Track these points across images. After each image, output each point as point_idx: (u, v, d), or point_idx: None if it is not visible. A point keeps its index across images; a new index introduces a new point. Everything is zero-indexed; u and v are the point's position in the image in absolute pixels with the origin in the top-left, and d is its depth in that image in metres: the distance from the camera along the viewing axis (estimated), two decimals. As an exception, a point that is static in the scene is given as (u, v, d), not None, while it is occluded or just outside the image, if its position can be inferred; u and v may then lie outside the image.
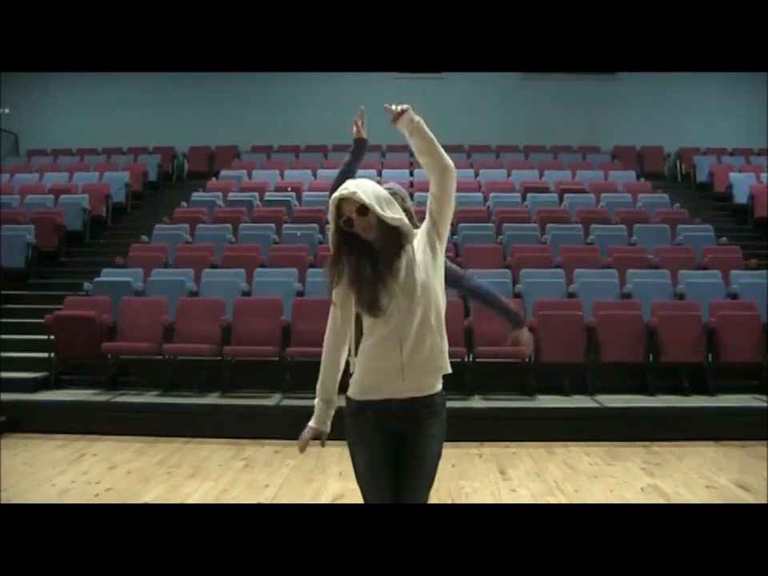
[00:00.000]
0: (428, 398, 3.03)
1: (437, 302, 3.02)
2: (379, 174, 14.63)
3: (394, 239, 2.96)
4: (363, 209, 2.91)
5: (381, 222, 2.92)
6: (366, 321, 3.02)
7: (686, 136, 16.15)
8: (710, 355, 8.30)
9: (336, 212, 2.95)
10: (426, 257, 3.01)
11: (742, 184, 13.75)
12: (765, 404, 7.71)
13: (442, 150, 2.96)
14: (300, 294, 9.30)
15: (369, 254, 2.96)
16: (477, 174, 14.55)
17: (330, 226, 2.99)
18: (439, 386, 3.07)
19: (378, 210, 2.90)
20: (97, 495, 5.63)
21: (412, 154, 13.90)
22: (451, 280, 3.46)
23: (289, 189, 13.39)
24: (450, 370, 3.05)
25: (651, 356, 8.26)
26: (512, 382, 8.24)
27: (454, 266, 3.65)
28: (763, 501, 5.41)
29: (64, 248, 12.01)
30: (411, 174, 14.58)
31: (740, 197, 13.60)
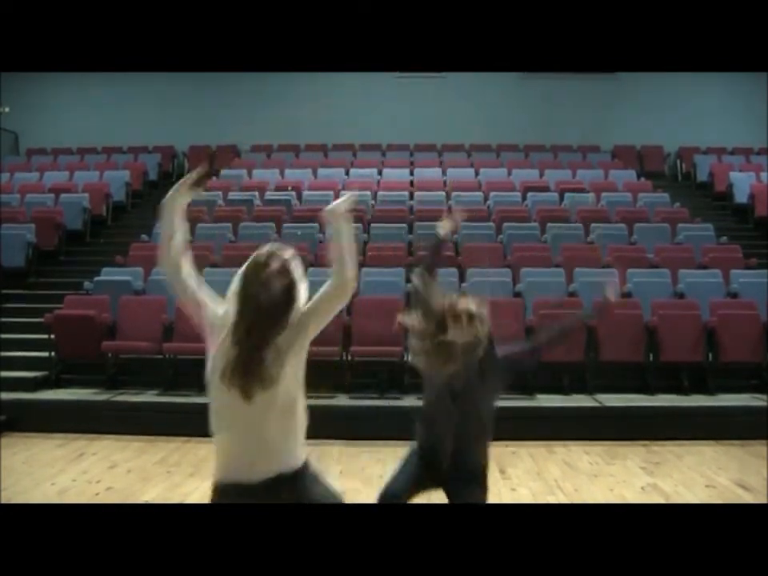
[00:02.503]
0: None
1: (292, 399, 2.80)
2: (379, 173, 14.64)
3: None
4: None
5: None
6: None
7: (686, 135, 16.15)
8: (709, 354, 8.29)
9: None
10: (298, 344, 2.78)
11: (742, 183, 13.75)
12: (765, 403, 7.72)
13: (350, 262, 2.76)
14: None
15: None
16: (477, 173, 14.56)
17: None
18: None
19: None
20: (97, 494, 5.64)
21: (412, 153, 13.82)
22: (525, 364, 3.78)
23: (289, 188, 13.38)
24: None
25: (651, 355, 8.26)
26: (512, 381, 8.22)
27: (515, 349, 3.63)
28: (763, 500, 5.41)
29: (64, 247, 12.01)
30: (411, 174, 14.59)
31: (740, 196, 13.60)
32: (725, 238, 11.28)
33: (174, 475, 6.16)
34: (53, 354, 8.49)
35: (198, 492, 5.66)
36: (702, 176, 15.27)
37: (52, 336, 8.43)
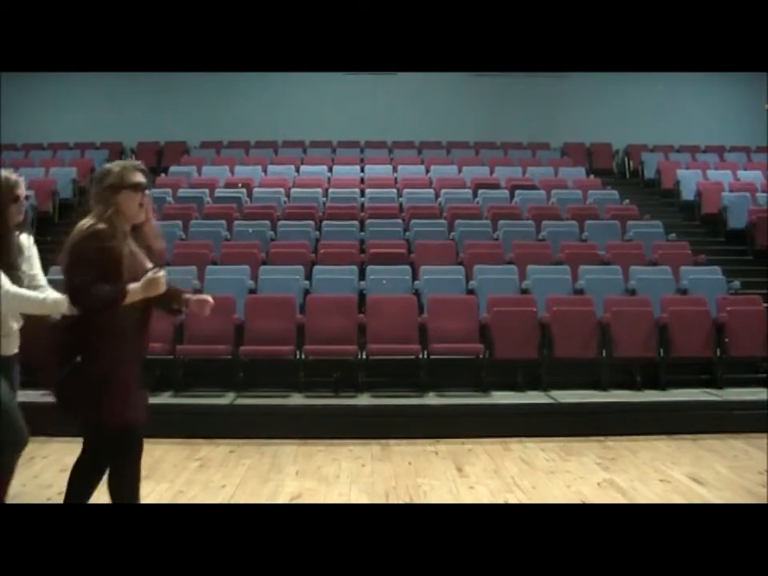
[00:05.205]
0: None
1: None
2: (330, 170, 14.60)
3: None
4: None
5: None
6: None
7: (633, 133, 16.38)
8: (661, 350, 8.39)
9: None
10: None
11: (689, 181, 13.94)
12: (715, 398, 7.83)
13: None
14: (252, 291, 9.23)
15: None
16: (428, 171, 14.59)
17: None
18: None
19: None
20: (49, 499, 5.53)
21: (363, 150, 13.77)
22: None
23: (239, 185, 13.28)
24: None
25: (604, 351, 8.33)
26: (466, 378, 8.25)
27: None
28: (717, 493, 5.49)
29: (10, 245, 11.75)
30: (362, 171, 14.57)
31: (687, 193, 13.78)
32: (673, 234, 11.44)
33: (128, 478, 6.05)
34: (1, 354, 8.30)
35: (153, 494, 5.58)
36: (649, 173, 15.46)
37: None
